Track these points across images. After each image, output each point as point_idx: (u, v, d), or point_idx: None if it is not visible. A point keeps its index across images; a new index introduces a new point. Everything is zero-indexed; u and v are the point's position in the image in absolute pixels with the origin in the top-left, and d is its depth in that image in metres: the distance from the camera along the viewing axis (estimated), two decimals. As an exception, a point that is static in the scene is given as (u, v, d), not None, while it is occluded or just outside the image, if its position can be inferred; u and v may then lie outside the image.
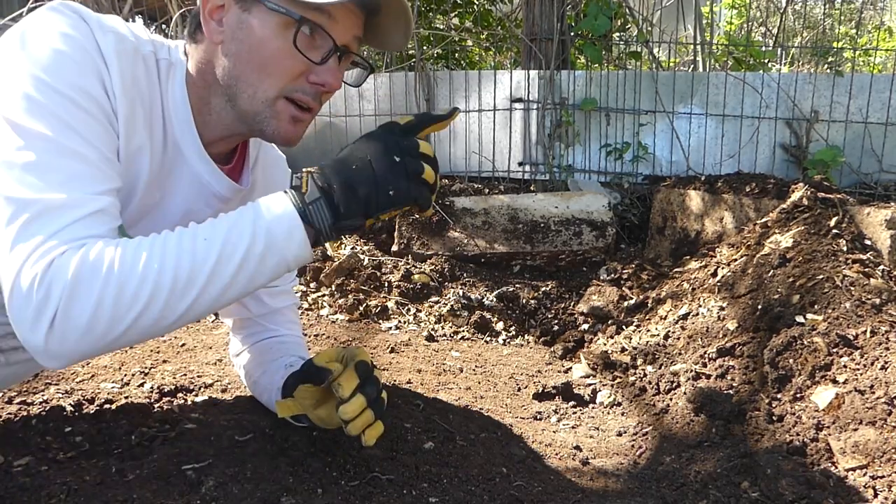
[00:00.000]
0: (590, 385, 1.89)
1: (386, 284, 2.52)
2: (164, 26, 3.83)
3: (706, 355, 1.76)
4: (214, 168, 1.10)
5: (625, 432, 1.62)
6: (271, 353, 1.37)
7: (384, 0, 1.02)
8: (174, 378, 1.56)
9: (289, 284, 1.44)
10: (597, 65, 3.41)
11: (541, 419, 1.68)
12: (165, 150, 1.05)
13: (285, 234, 0.88)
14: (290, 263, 0.91)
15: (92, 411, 1.34)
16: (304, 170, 0.93)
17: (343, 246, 2.81)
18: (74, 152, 0.86)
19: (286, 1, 0.97)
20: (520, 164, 3.43)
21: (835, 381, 1.42)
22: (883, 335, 1.48)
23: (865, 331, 1.51)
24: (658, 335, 2.00)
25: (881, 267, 1.83)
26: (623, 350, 2.04)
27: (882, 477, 1.17)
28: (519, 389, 1.86)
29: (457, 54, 4.79)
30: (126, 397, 1.42)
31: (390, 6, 1.03)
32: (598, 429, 1.65)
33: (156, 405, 1.40)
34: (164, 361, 1.70)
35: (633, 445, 1.55)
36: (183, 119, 1.05)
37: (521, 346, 2.30)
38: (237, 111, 1.03)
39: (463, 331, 2.33)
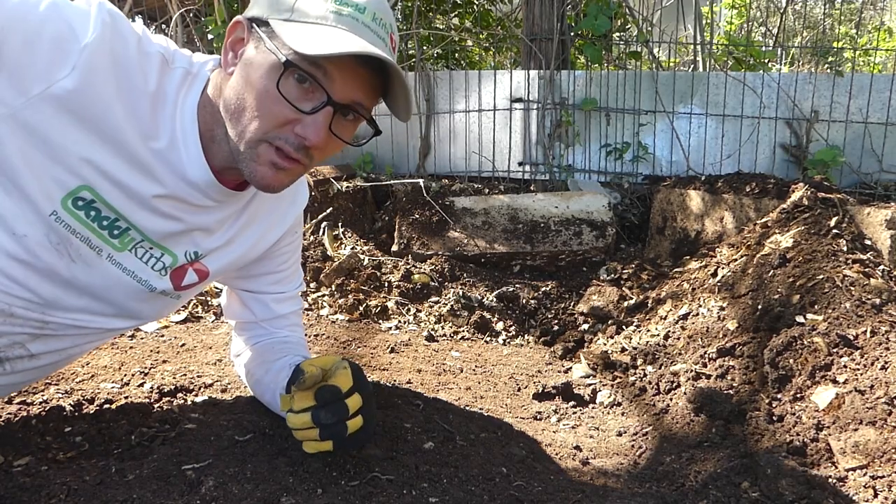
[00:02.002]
0: (590, 385, 1.89)
1: (386, 284, 2.52)
2: (164, 26, 3.83)
3: (706, 355, 1.76)
4: (209, 175, 1.06)
5: (625, 432, 1.62)
6: (274, 352, 1.37)
7: (388, 65, 0.97)
8: (174, 378, 1.56)
9: (295, 290, 1.43)
10: (597, 65, 3.41)
11: (541, 419, 1.68)
12: (158, 145, 1.02)
13: None
14: None
15: (92, 411, 1.34)
16: None
17: (343, 246, 2.81)
18: None
19: (280, 44, 0.94)
20: (520, 164, 3.43)
21: (835, 381, 1.42)
22: (883, 335, 1.48)
23: (865, 331, 1.51)
24: (658, 335, 2.00)
25: (881, 267, 1.83)
26: (623, 350, 2.04)
27: (882, 477, 1.17)
28: (519, 389, 1.86)
29: (457, 54, 4.79)
30: (126, 397, 1.42)
31: (396, 73, 0.98)
32: (598, 429, 1.65)
33: (156, 405, 1.40)
34: (164, 361, 1.70)
35: (633, 445, 1.55)
36: (190, 132, 1.03)
37: (521, 346, 2.30)
38: (230, 147, 1.01)
39: (463, 331, 2.33)
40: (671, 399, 1.69)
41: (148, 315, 1.23)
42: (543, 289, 2.58)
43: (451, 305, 2.42)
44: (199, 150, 1.05)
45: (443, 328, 2.33)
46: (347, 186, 3.06)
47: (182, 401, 1.45)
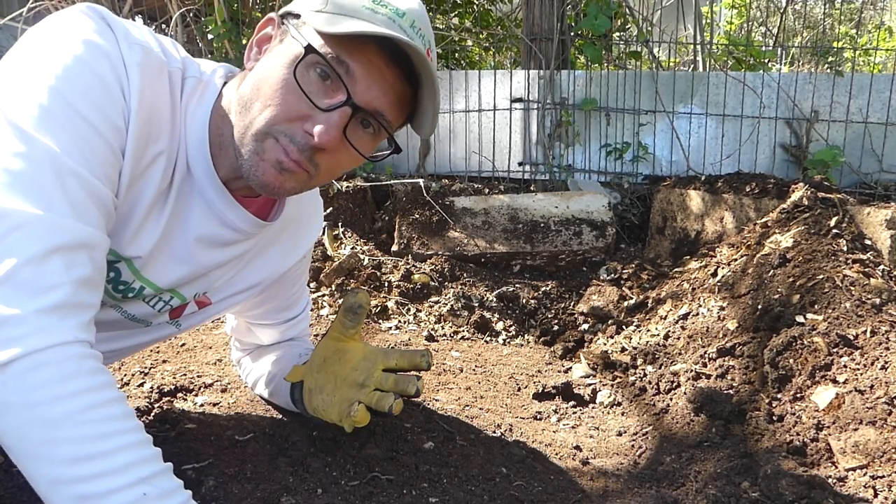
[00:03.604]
0: (590, 385, 1.89)
1: (386, 284, 2.52)
2: (164, 26, 3.83)
3: (706, 355, 1.76)
4: (227, 196, 0.99)
5: (625, 432, 1.62)
6: (281, 349, 1.37)
7: (419, 63, 0.89)
8: (174, 378, 1.56)
9: (303, 311, 1.39)
10: (597, 65, 3.41)
11: (541, 419, 1.68)
12: (177, 172, 0.96)
13: None
14: None
15: (92, 411, 1.34)
16: None
17: (343, 246, 2.81)
18: (75, 174, 0.79)
19: (308, 32, 0.88)
20: (520, 164, 3.43)
21: (835, 381, 1.42)
22: (883, 335, 1.48)
23: (865, 331, 1.51)
24: (658, 335, 2.00)
25: (881, 267, 1.83)
26: (623, 350, 2.04)
27: (882, 477, 1.17)
28: (519, 389, 1.86)
29: (457, 54, 4.79)
30: (126, 397, 1.42)
31: (427, 75, 0.91)
32: (598, 429, 1.65)
33: (156, 405, 1.40)
34: (164, 361, 1.70)
35: (633, 445, 1.55)
36: (199, 143, 0.95)
37: (521, 346, 2.30)
38: (233, 145, 0.93)
39: (463, 331, 2.33)
40: (671, 399, 1.69)
41: (143, 345, 1.17)
42: (543, 289, 2.58)
43: (451, 305, 2.42)
44: (211, 170, 0.97)
45: (443, 328, 2.33)
46: (347, 186, 3.06)
47: (182, 401, 1.45)
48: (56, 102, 0.79)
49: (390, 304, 2.40)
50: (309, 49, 0.86)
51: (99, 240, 0.81)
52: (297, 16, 0.91)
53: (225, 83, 0.99)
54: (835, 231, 1.97)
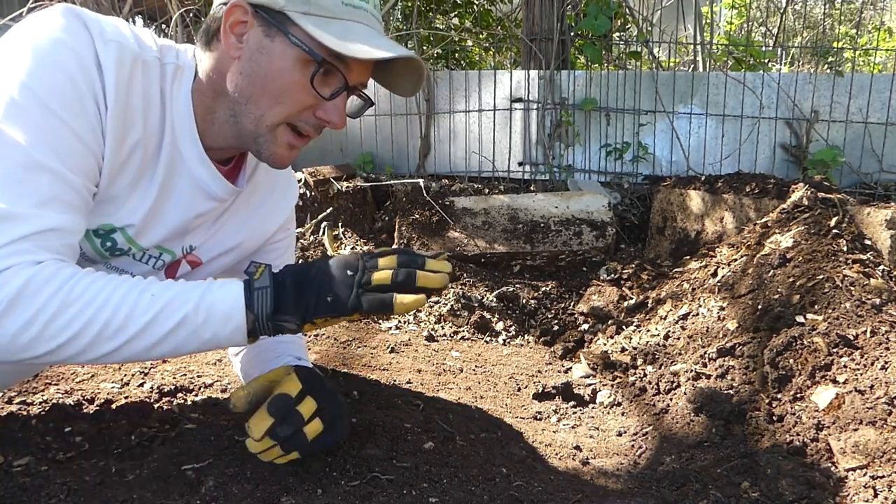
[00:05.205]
0: (590, 385, 1.89)
1: (386, 284, 2.52)
2: (164, 26, 3.83)
3: (706, 355, 1.76)
4: (214, 172, 1.10)
5: (625, 432, 1.62)
6: (269, 352, 1.37)
7: (408, 62, 1.06)
8: (174, 378, 1.56)
9: None
10: (597, 65, 3.41)
11: (541, 419, 1.68)
12: (162, 154, 1.05)
13: (224, 315, 0.92)
14: (222, 342, 0.94)
15: (92, 411, 1.34)
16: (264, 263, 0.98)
17: (343, 246, 2.81)
18: (43, 167, 0.86)
19: (309, 39, 0.98)
20: (520, 164, 3.43)
21: (835, 381, 1.42)
22: (883, 335, 1.48)
23: (865, 331, 1.51)
24: (658, 335, 2.00)
25: (881, 267, 1.83)
26: (623, 350, 2.04)
27: (882, 477, 1.17)
28: (519, 389, 1.86)
29: (457, 54, 4.79)
30: (126, 397, 1.42)
31: (407, 62, 1.07)
32: (598, 429, 1.65)
33: (156, 405, 1.40)
34: (164, 361, 1.70)
35: (633, 445, 1.55)
36: (186, 123, 1.05)
37: (521, 346, 2.30)
38: (238, 128, 1.05)
39: (463, 331, 2.33)
40: (671, 399, 1.69)
41: None
42: (543, 289, 2.58)
43: (451, 305, 2.42)
44: (199, 147, 1.07)
45: (443, 328, 2.33)
46: (347, 186, 3.06)
47: (182, 401, 1.45)
48: (25, 98, 0.86)
49: (390, 304, 2.40)
50: (324, 62, 0.99)
51: (69, 224, 0.90)
52: (280, 13, 0.99)
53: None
54: (835, 231, 1.97)
